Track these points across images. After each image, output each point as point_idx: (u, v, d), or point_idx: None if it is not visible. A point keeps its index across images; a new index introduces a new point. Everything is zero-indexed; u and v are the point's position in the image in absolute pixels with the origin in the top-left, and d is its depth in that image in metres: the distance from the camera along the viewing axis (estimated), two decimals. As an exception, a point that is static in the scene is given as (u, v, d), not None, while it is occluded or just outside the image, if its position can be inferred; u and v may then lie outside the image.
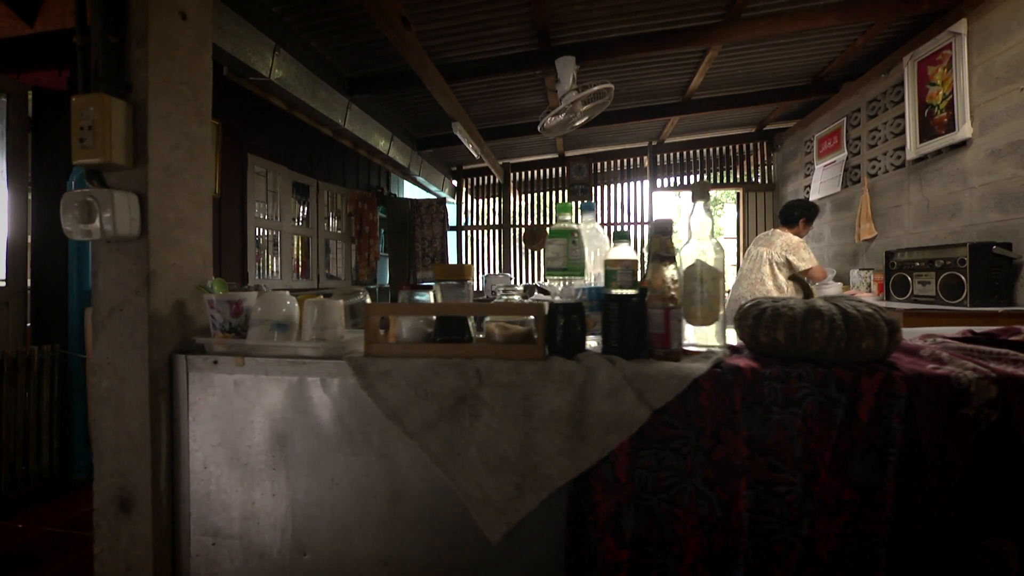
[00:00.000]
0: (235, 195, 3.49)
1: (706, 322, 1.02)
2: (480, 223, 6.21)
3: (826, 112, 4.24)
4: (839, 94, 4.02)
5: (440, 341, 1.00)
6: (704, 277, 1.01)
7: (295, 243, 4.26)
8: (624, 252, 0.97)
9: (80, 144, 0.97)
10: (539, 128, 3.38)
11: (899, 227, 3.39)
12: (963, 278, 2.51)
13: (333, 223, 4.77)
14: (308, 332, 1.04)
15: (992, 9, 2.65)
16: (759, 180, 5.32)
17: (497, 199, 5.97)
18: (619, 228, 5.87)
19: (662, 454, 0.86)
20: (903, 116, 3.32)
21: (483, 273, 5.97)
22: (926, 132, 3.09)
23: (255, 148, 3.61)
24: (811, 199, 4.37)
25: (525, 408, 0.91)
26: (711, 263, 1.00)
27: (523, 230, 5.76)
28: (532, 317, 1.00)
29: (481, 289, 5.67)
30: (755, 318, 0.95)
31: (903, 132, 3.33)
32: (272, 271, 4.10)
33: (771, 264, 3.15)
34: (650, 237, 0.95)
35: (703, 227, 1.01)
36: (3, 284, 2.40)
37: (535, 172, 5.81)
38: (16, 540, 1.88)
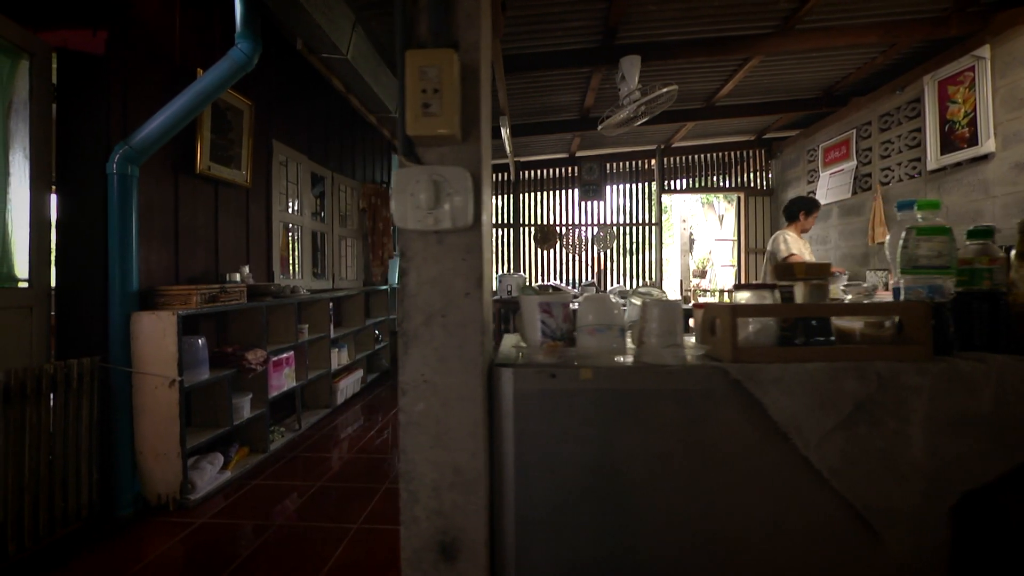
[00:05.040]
0: (262, 185, 3.13)
1: None
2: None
3: (832, 124, 4.56)
4: (847, 107, 4.34)
5: (806, 344, 0.93)
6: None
7: (312, 239, 3.89)
8: (988, 248, 0.95)
9: (424, 111, 0.79)
10: (599, 127, 3.34)
11: (914, 231, 3.71)
12: (997, 277, 2.79)
13: (346, 219, 4.42)
14: (653, 337, 0.92)
15: (1016, 37, 2.97)
16: (758, 186, 5.63)
17: (507, 197, 5.83)
18: (621, 227, 5.94)
19: (1080, 454, 0.85)
20: (919, 130, 3.64)
21: (496, 272, 5.81)
22: (947, 145, 3.40)
23: (279, 134, 3.25)
24: (816, 204, 4.69)
25: (928, 411, 0.86)
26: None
27: (534, 229, 5.67)
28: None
29: (495, 289, 5.51)
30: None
31: (918, 144, 3.66)
32: (295, 269, 3.73)
33: (768, 262, 3.34)
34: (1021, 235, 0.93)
35: (1042, 225, 1.02)
36: (26, 285, 1.96)
37: (545, 171, 5.74)
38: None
